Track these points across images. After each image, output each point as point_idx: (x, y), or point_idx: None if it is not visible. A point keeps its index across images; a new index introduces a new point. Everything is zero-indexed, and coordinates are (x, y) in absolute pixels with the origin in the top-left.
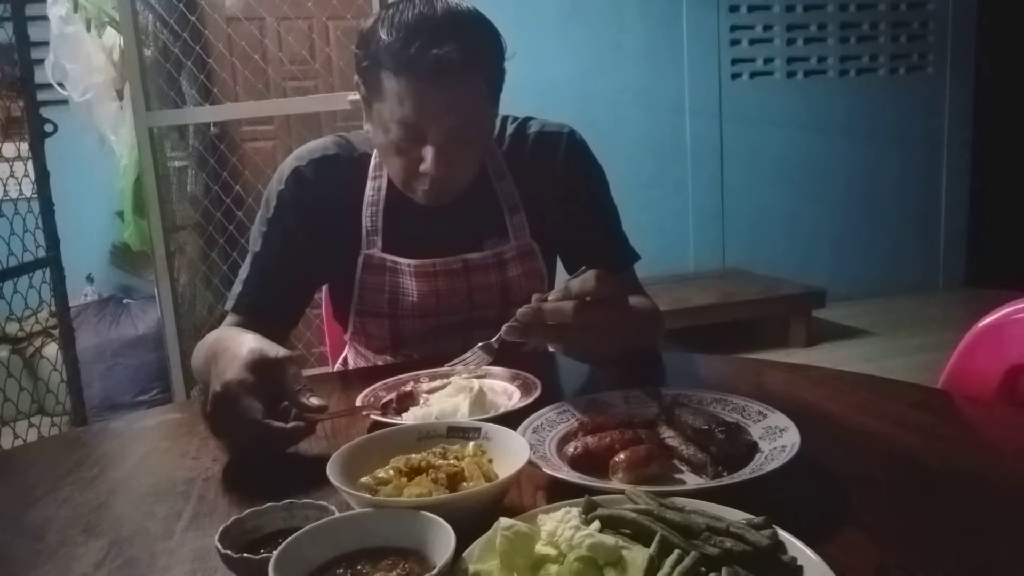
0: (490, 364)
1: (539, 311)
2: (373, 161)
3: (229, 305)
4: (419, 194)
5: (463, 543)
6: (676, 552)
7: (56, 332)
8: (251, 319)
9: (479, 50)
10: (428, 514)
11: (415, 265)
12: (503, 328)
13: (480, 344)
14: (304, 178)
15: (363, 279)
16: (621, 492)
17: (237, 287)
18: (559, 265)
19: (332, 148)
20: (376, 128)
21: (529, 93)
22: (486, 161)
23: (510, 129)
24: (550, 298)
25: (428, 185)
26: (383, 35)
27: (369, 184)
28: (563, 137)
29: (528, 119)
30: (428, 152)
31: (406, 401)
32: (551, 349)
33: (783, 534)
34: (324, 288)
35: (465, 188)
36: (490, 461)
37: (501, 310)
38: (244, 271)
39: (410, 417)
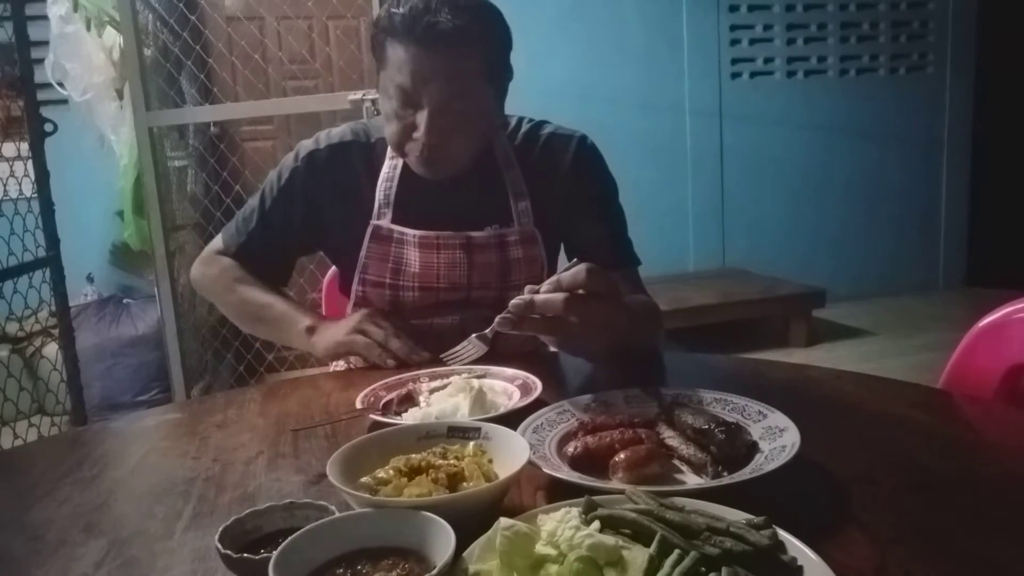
0: (484, 355)
1: (531, 303)
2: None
3: (229, 244)
4: (412, 161)
5: (463, 543)
6: (676, 552)
7: (56, 332)
8: (246, 267)
9: (475, 24)
10: (428, 514)
11: (419, 236)
12: (496, 320)
13: (475, 335)
14: (317, 161)
15: (370, 248)
16: (621, 492)
17: (241, 236)
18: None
19: (349, 136)
20: (382, 97)
21: (529, 93)
22: (495, 148)
23: (524, 128)
24: (541, 290)
25: (419, 151)
26: (391, 7)
27: (387, 163)
28: (573, 142)
29: (544, 122)
30: (421, 118)
31: (406, 402)
32: (551, 348)
33: (783, 534)
34: (324, 285)
35: (463, 165)
36: (490, 461)
37: (499, 292)
38: (250, 220)
39: (410, 417)
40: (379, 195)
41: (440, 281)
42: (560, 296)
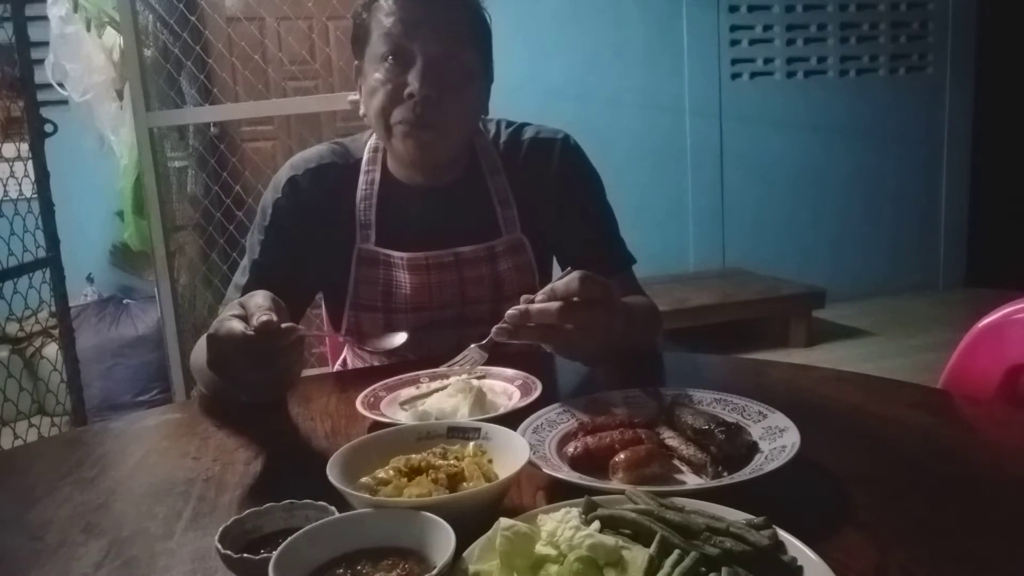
0: (484, 364)
1: (526, 313)
2: (365, 156)
3: (226, 304)
4: (399, 135)
5: (463, 543)
6: (676, 552)
7: (56, 332)
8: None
9: None
10: (428, 514)
11: (407, 258)
12: (493, 330)
13: (474, 344)
14: (300, 187)
15: (358, 273)
16: (621, 492)
17: (235, 293)
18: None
19: (328, 156)
20: (366, 86)
21: (528, 94)
22: (479, 154)
23: (504, 135)
24: (536, 299)
25: (410, 112)
26: None
27: (361, 178)
28: (557, 143)
29: (524, 125)
30: (414, 73)
31: (405, 402)
32: (546, 349)
33: (783, 534)
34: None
35: (453, 146)
36: (490, 461)
37: (493, 304)
38: (242, 277)
39: (410, 417)
40: (359, 215)
41: (433, 301)
42: (555, 305)
